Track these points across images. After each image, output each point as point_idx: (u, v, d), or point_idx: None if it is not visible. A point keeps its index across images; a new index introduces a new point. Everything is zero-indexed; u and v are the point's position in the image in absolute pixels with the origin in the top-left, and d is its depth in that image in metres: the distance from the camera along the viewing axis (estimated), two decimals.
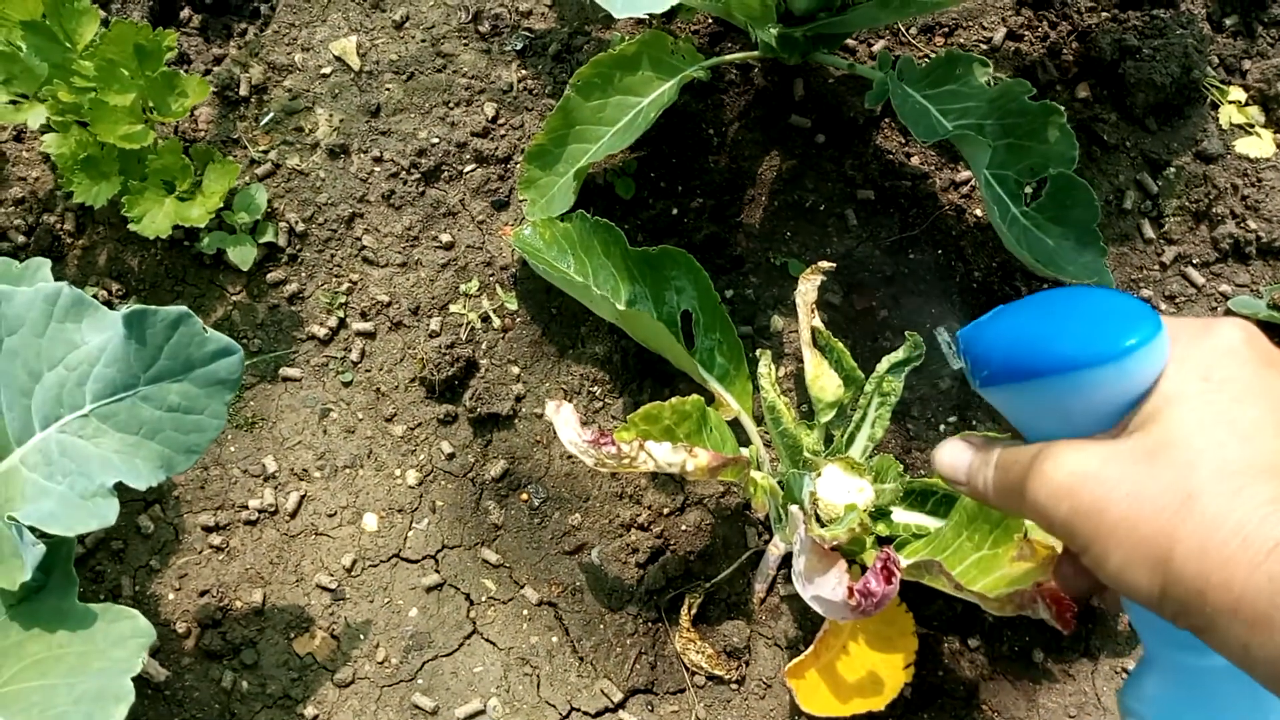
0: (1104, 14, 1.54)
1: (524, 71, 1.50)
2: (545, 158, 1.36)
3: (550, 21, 1.53)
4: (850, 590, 0.99)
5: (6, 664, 0.99)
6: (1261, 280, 1.44)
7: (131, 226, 1.31)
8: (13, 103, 1.30)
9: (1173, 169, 1.46)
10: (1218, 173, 1.46)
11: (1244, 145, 1.46)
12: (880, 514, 1.22)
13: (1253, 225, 1.44)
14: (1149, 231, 1.46)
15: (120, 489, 0.99)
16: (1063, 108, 1.24)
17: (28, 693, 0.94)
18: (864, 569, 1.05)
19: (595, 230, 1.32)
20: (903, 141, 1.49)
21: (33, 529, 1.00)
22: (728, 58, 1.45)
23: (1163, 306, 1.44)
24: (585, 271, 1.32)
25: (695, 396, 1.18)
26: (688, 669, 1.33)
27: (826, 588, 1.01)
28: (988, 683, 1.33)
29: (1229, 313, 1.43)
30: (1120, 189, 1.47)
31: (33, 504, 1.00)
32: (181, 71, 1.38)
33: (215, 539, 1.35)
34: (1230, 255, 1.45)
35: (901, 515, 1.25)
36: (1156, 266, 1.45)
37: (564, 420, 1.10)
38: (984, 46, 1.54)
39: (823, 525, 1.20)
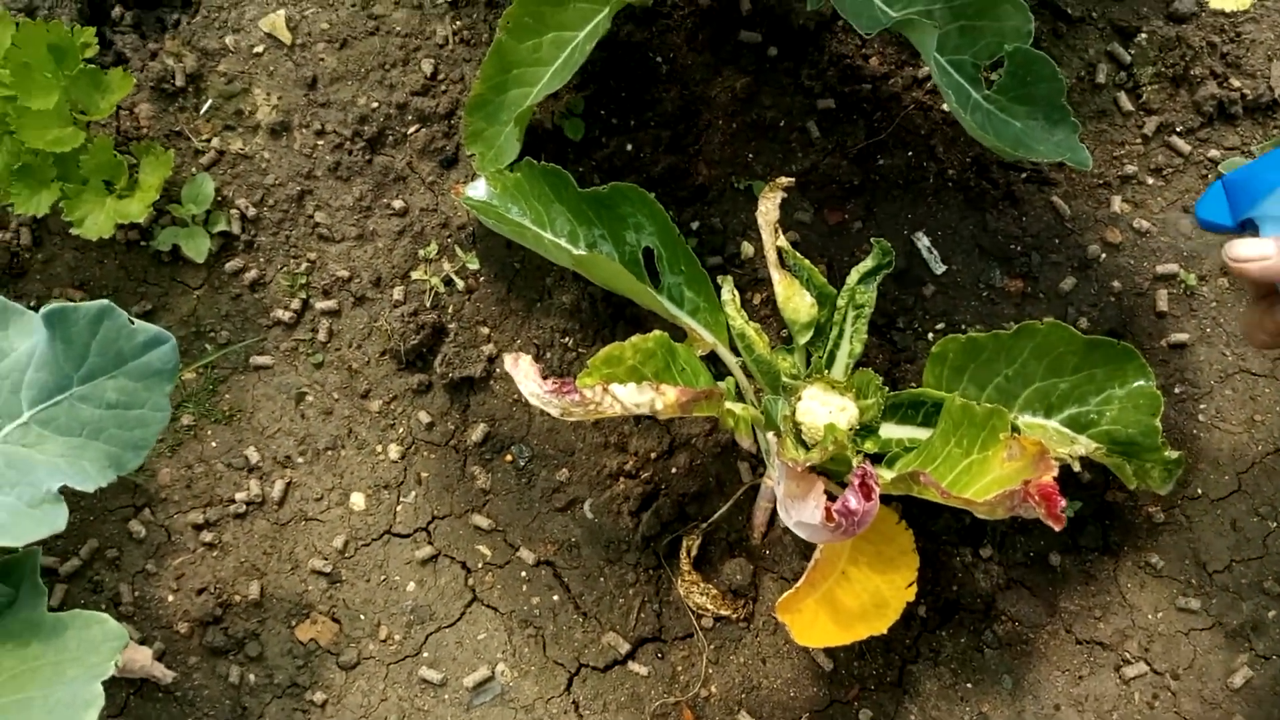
0: None
1: (458, 23, 1.45)
2: (487, 108, 1.32)
3: None
4: (828, 511, 0.95)
5: None
6: (1251, 140, 1.36)
7: (74, 230, 1.28)
8: None
9: (1144, 35, 1.38)
10: (1192, 33, 1.38)
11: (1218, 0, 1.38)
12: (867, 430, 1.18)
13: (1236, 83, 1.36)
14: (1127, 104, 1.38)
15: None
16: None
17: (4, 709, 0.92)
18: None
19: (544, 176, 1.27)
20: (859, 44, 1.42)
21: None
22: None
23: (1149, 181, 1.37)
24: (540, 220, 1.27)
25: (658, 332, 1.14)
26: (694, 612, 1.29)
27: (807, 511, 0.97)
28: (1005, 592, 1.28)
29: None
30: (1091, 63, 1.39)
31: None
32: (103, 68, 1.35)
33: (207, 536, 1.34)
34: (1215, 118, 1.37)
35: (891, 430, 1.21)
36: (1139, 140, 1.38)
37: (523, 373, 1.06)
38: None
39: (808, 448, 1.16)
